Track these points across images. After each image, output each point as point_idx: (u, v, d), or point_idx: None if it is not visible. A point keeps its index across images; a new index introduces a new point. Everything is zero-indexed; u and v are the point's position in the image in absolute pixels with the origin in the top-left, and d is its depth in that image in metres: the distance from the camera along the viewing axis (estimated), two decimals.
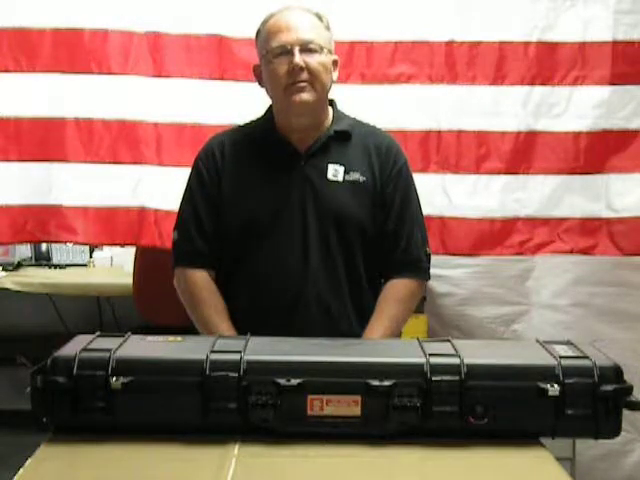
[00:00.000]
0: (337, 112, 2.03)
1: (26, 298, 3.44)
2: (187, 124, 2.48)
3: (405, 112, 2.50)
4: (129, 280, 3.12)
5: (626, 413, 1.45)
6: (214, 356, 1.43)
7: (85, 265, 3.70)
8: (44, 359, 1.44)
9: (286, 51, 1.88)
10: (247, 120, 2.09)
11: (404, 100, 2.49)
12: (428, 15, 2.48)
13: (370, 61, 2.48)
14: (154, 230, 2.50)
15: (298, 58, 1.87)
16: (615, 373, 1.44)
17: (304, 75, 1.87)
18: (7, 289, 3.30)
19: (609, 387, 1.42)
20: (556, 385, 1.42)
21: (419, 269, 2.03)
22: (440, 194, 2.52)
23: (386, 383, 1.41)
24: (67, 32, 2.42)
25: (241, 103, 2.37)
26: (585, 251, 2.54)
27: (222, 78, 2.48)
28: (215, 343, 1.50)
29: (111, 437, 1.42)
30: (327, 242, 1.93)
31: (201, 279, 1.98)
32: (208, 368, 1.41)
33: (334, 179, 1.95)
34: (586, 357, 1.48)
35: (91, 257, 3.73)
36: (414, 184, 2.06)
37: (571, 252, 2.54)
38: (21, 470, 1.32)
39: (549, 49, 2.48)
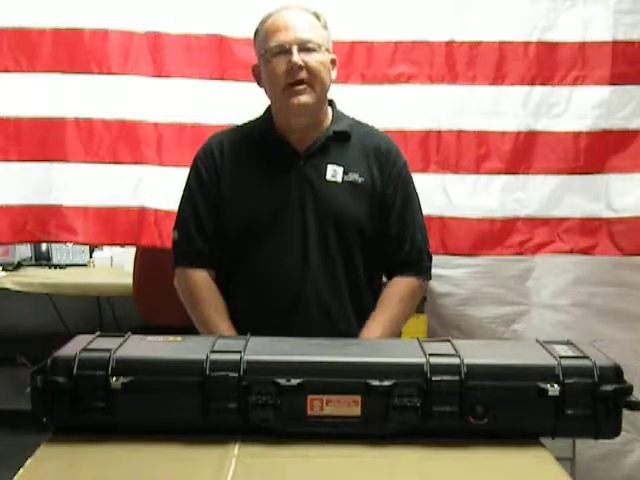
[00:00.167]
0: (336, 112, 2.02)
1: (26, 298, 3.44)
2: (187, 124, 2.48)
3: (405, 112, 2.50)
4: (129, 280, 3.13)
5: (626, 413, 1.45)
6: (214, 356, 1.43)
7: (85, 265, 3.70)
8: (44, 359, 1.44)
9: (284, 50, 1.88)
10: (247, 120, 2.09)
11: (404, 100, 2.49)
12: (428, 15, 2.48)
13: (370, 61, 2.48)
14: (154, 230, 2.50)
15: (296, 57, 1.86)
16: (615, 373, 1.44)
17: (303, 74, 1.87)
18: (7, 289, 3.31)
19: (609, 387, 1.42)
20: (556, 385, 1.42)
21: (421, 268, 2.04)
22: (440, 194, 2.52)
23: (386, 383, 1.41)
24: (67, 32, 2.42)
25: (241, 103, 2.37)
26: (585, 251, 2.54)
27: (222, 78, 2.48)
28: (215, 343, 1.50)
29: (111, 437, 1.42)
30: (326, 242, 1.93)
31: (201, 279, 1.98)
32: (208, 368, 1.41)
33: (333, 180, 1.95)
34: (586, 357, 1.48)
35: (91, 257, 3.73)
36: (414, 185, 2.06)
37: (571, 252, 2.54)
38: (21, 470, 1.32)
39: (549, 49, 2.48)
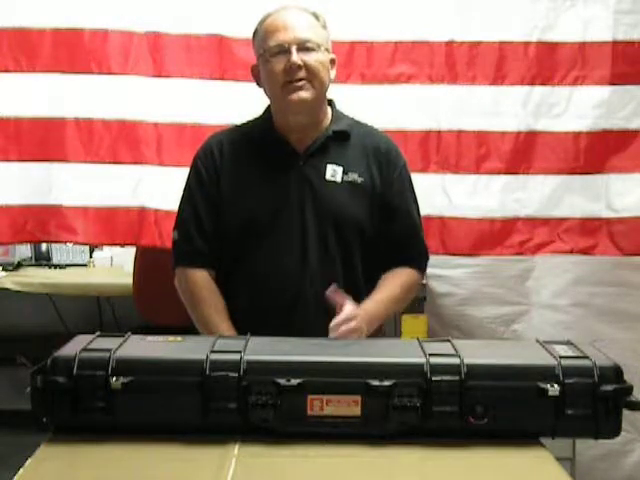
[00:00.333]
0: (336, 112, 2.03)
1: (26, 298, 3.43)
2: (187, 124, 2.48)
3: (405, 112, 2.50)
4: (129, 280, 3.12)
5: (626, 413, 1.45)
6: (214, 356, 1.43)
7: (85, 265, 3.69)
8: (44, 359, 1.44)
9: (283, 50, 1.88)
10: (247, 120, 2.08)
11: (404, 100, 2.49)
12: (428, 15, 2.48)
13: (370, 61, 2.48)
14: (154, 230, 2.50)
15: (295, 57, 1.87)
16: (615, 373, 1.44)
17: (302, 73, 1.87)
18: (7, 289, 3.30)
19: (609, 387, 1.42)
20: (556, 385, 1.42)
21: (420, 262, 2.06)
22: (440, 194, 2.52)
23: (386, 383, 1.41)
24: (67, 32, 2.42)
25: (241, 103, 2.37)
26: (585, 251, 2.54)
27: (222, 78, 2.48)
28: (215, 343, 1.51)
29: (111, 437, 1.42)
30: (326, 242, 1.94)
31: (201, 279, 1.98)
32: (208, 368, 1.41)
33: (332, 179, 1.95)
34: (586, 357, 1.48)
35: (91, 257, 3.72)
36: (412, 185, 2.06)
37: (571, 252, 2.54)
38: (21, 470, 1.32)
39: (549, 49, 2.48)
